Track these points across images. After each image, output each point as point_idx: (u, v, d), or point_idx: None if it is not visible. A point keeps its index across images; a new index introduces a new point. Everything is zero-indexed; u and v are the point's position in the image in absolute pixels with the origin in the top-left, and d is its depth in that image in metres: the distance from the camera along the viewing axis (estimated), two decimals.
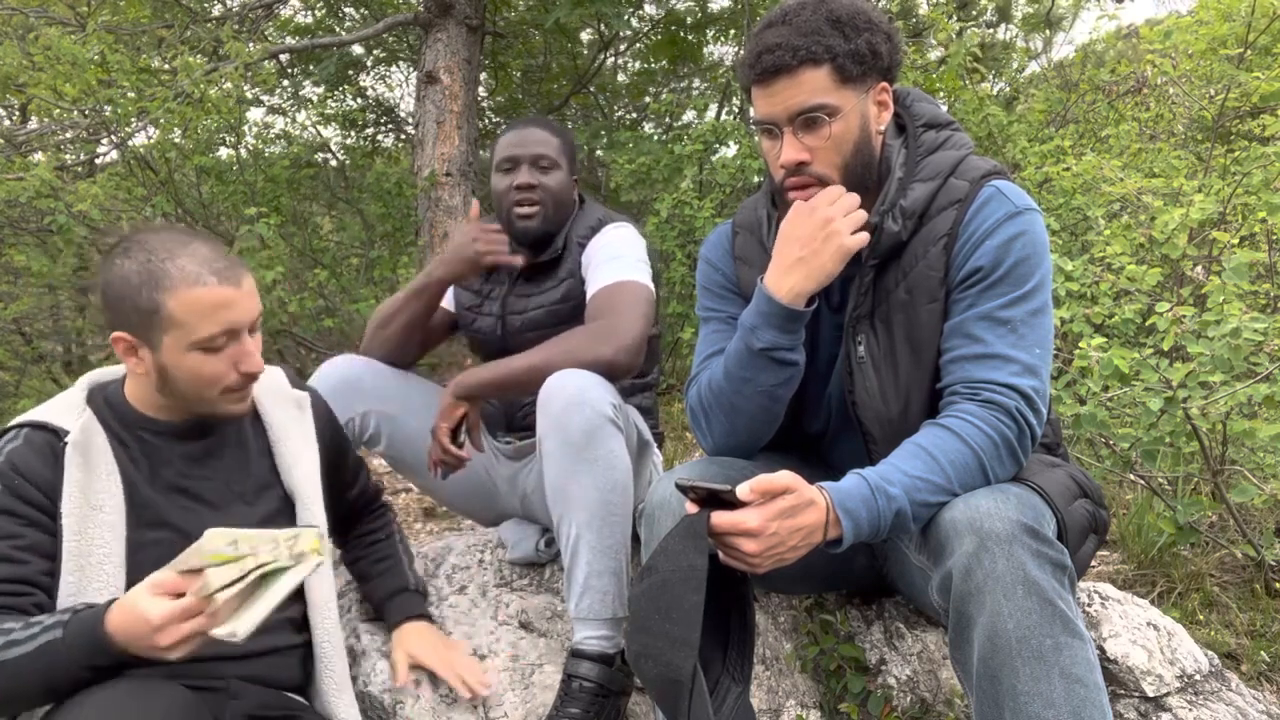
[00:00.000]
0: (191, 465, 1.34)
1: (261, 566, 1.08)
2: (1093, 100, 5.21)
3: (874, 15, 1.33)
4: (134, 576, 1.23)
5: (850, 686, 1.68)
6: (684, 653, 1.07)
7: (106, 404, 1.31)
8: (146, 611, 1.05)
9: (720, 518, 1.13)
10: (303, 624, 1.40)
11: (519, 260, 1.87)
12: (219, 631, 1.05)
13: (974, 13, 9.38)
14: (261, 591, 1.09)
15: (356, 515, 1.68)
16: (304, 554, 1.12)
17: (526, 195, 1.90)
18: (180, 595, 1.07)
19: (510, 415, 2.03)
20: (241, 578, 1.06)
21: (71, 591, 1.19)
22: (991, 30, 9.78)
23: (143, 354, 1.25)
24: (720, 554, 1.17)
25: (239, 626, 1.05)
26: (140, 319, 1.21)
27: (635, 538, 1.69)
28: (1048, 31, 9.92)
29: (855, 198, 1.32)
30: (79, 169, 5.82)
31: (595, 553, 1.58)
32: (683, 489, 1.18)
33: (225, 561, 1.07)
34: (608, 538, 1.59)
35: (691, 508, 1.17)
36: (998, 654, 1.09)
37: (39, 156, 5.26)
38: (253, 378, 1.27)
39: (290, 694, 1.40)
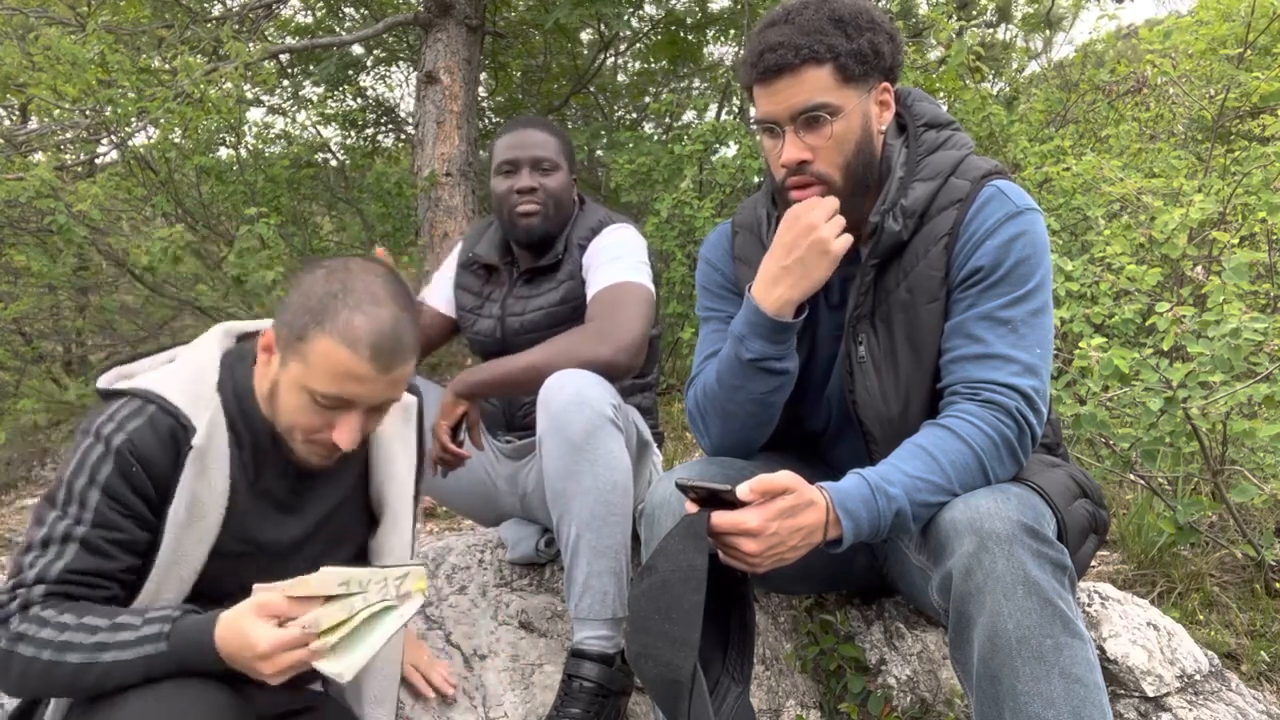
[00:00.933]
0: (294, 478, 1.29)
1: (369, 607, 1.07)
2: (1093, 100, 5.21)
3: (876, 15, 1.33)
4: (201, 582, 1.20)
5: (850, 686, 1.68)
6: (684, 653, 1.07)
7: (234, 394, 1.24)
8: (254, 638, 1.04)
9: (720, 518, 1.13)
10: None
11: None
12: (324, 668, 1.04)
13: (974, 13, 9.38)
14: (365, 631, 1.07)
15: None
16: (409, 593, 1.10)
17: (529, 198, 1.90)
18: (286, 619, 1.05)
19: (510, 415, 2.03)
20: (349, 618, 1.06)
21: (151, 591, 1.16)
22: (991, 30, 9.78)
23: (272, 359, 1.21)
24: (720, 554, 1.17)
25: (345, 669, 1.04)
26: (289, 332, 1.17)
27: (635, 538, 1.69)
28: (1048, 31, 9.92)
29: (834, 202, 1.31)
30: (79, 169, 5.82)
31: (595, 553, 1.58)
32: (683, 489, 1.18)
33: (336, 598, 1.06)
34: (607, 538, 1.59)
35: (691, 507, 1.17)
36: (998, 654, 1.09)
37: (39, 156, 5.26)
38: (337, 449, 1.21)
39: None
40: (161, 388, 1.19)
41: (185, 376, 1.22)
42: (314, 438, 1.20)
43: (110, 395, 1.21)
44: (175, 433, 1.17)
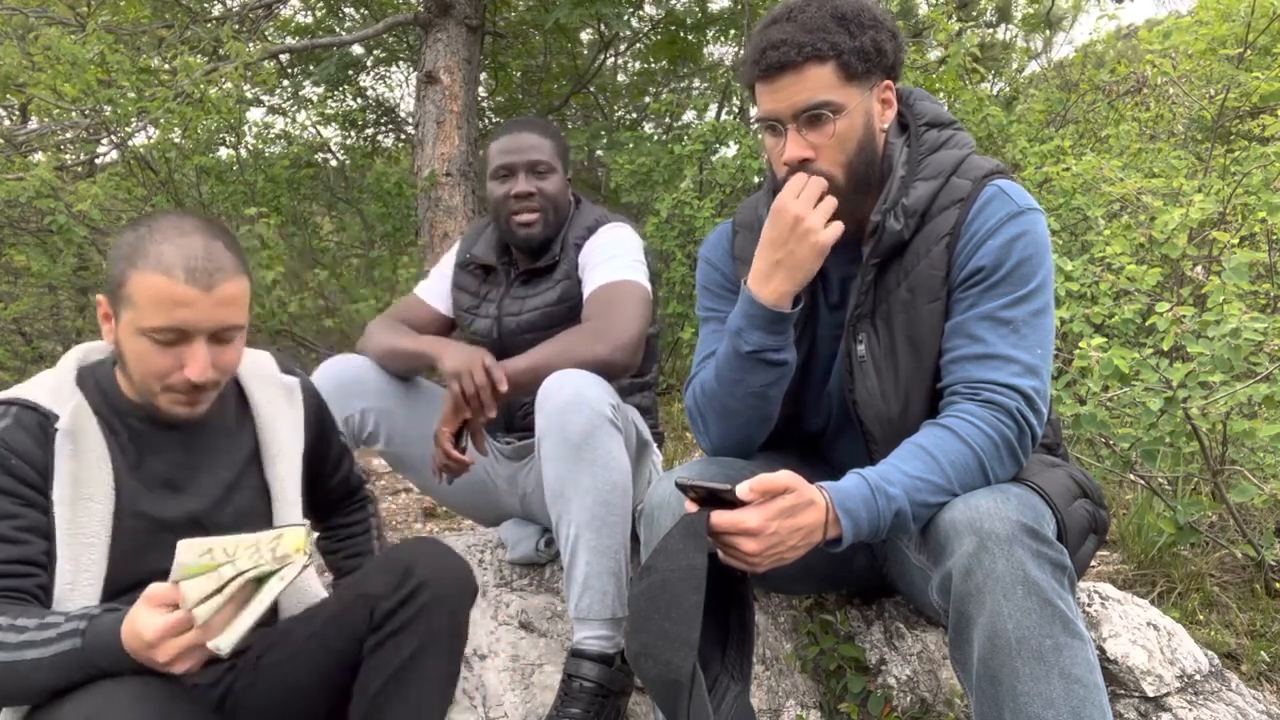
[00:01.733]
0: (178, 453, 1.32)
1: (242, 574, 1.03)
2: (1093, 100, 5.21)
3: (878, 13, 1.33)
4: (112, 566, 1.23)
5: (850, 686, 1.68)
6: (683, 652, 1.07)
7: (97, 388, 1.29)
8: (141, 628, 1.04)
9: (720, 517, 1.13)
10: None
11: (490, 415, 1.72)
12: (212, 643, 1.02)
13: (974, 13, 9.38)
14: (245, 600, 1.05)
15: (335, 505, 1.64)
16: (288, 555, 1.06)
17: (525, 204, 1.90)
18: (176, 607, 1.05)
19: (510, 415, 2.03)
20: (220, 588, 1.02)
21: (67, 580, 1.19)
22: (991, 30, 9.78)
23: (111, 324, 1.24)
24: (720, 553, 1.17)
25: (222, 642, 1.02)
26: (112, 288, 1.21)
27: (635, 538, 1.69)
28: (1048, 31, 9.92)
29: (819, 185, 1.29)
30: (79, 169, 5.82)
31: (594, 553, 1.58)
32: (682, 488, 1.18)
33: (201, 572, 1.03)
34: (607, 538, 1.59)
35: (691, 507, 1.17)
36: (998, 654, 1.09)
37: (39, 156, 5.27)
38: (196, 386, 1.23)
39: None
40: (20, 393, 1.25)
41: (42, 383, 1.27)
42: (169, 382, 1.22)
43: None
44: (41, 423, 1.22)
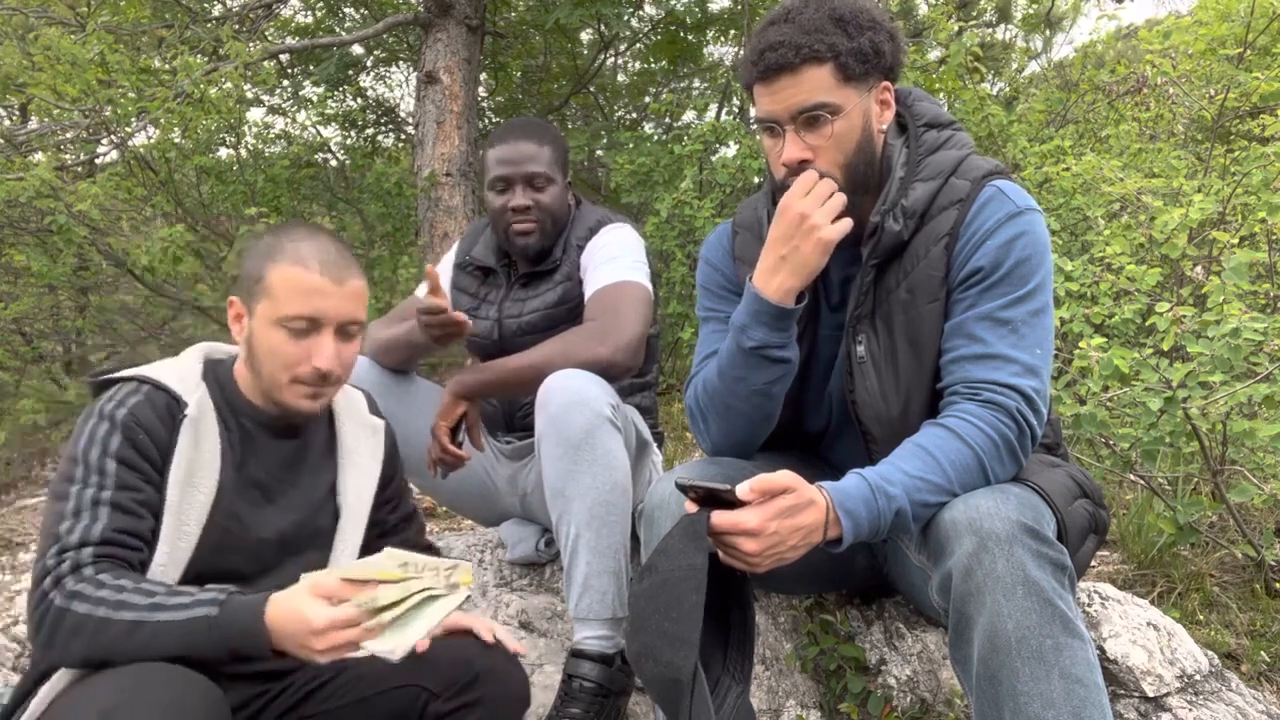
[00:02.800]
0: (277, 464, 1.36)
1: (424, 591, 1.11)
2: (1093, 100, 5.21)
3: (876, 14, 1.33)
4: (196, 561, 1.25)
5: (850, 686, 1.68)
6: (684, 652, 1.07)
7: (218, 384, 1.34)
8: (309, 614, 1.07)
9: (720, 517, 1.13)
10: None
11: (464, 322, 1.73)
12: (375, 646, 1.08)
13: (974, 13, 9.38)
14: (414, 615, 1.11)
15: None
16: (458, 585, 1.15)
17: (522, 217, 1.90)
18: (339, 601, 1.09)
19: (510, 415, 2.03)
20: (404, 599, 1.09)
21: (162, 561, 1.21)
22: (991, 30, 9.78)
23: (244, 322, 1.31)
24: (720, 553, 1.17)
25: (396, 646, 1.07)
26: (249, 284, 1.29)
27: (635, 538, 1.69)
28: (1048, 31, 9.92)
29: (829, 184, 1.30)
30: (79, 169, 5.82)
31: (594, 553, 1.58)
32: (682, 488, 1.18)
33: (395, 581, 1.10)
34: (607, 538, 1.59)
35: (691, 507, 1.17)
36: (997, 654, 1.09)
37: (39, 156, 5.26)
38: (323, 376, 1.28)
39: None
40: (150, 373, 1.29)
41: (171, 369, 1.32)
42: (297, 373, 1.28)
43: (102, 387, 1.30)
44: (170, 406, 1.26)
